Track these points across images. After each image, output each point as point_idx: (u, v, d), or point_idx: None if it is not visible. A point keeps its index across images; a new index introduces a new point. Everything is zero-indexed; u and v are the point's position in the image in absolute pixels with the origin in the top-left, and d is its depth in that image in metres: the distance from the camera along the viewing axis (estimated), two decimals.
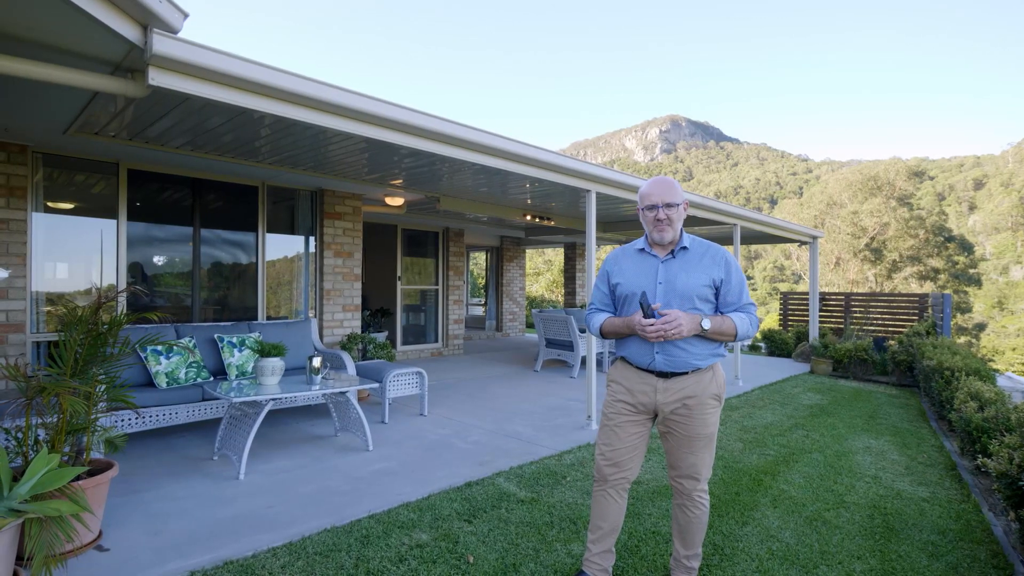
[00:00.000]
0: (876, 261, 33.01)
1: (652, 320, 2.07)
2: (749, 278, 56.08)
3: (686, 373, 2.21)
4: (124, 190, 5.33)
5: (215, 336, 5.07)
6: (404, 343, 9.98)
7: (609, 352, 7.96)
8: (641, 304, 2.10)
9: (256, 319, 6.37)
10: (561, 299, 21.73)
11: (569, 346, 8.24)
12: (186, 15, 2.60)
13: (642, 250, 2.33)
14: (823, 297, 12.41)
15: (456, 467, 3.98)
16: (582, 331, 8.17)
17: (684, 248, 2.27)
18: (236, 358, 4.99)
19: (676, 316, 2.07)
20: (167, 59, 2.62)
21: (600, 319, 2.36)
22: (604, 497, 2.36)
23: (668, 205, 2.23)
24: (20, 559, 2.26)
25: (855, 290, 31.29)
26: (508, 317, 13.72)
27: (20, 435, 2.71)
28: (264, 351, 4.17)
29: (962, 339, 30.70)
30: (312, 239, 6.95)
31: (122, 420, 4.01)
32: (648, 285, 2.23)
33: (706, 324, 2.13)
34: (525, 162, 4.88)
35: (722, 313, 2.24)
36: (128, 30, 2.47)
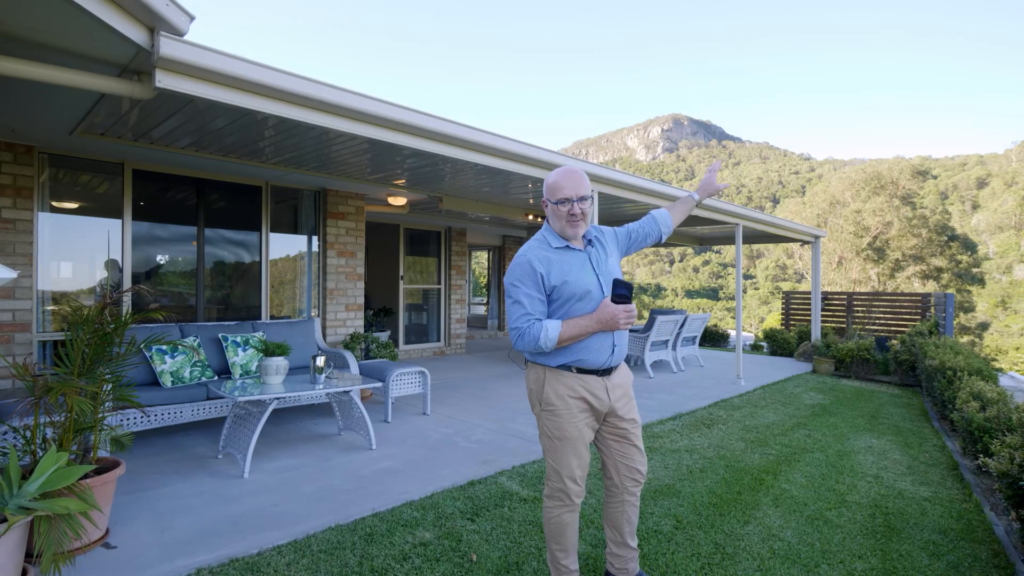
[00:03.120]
0: (879, 260, 32.92)
1: (631, 306, 2.01)
2: (751, 277, 55.94)
3: (620, 365, 2.22)
4: (129, 190, 5.36)
5: (219, 335, 5.09)
6: (406, 342, 10.01)
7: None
8: (626, 292, 1.99)
9: (259, 318, 6.40)
10: None
11: None
12: (192, 18, 2.62)
13: (559, 248, 2.13)
14: (825, 296, 12.41)
15: (459, 466, 4.00)
16: None
17: (594, 235, 2.25)
18: (240, 357, 5.02)
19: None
20: (173, 61, 2.64)
21: (554, 327, 2.01)
22: (575, 519, 2.20)
23: (582, 198, 2.09)
24: (29, 556, 2.29)
25: (858, 289, 31.24)
26: None
27: (28, 434, 2.74)
28: (268, 350, 4.20)
29: (965, 338, 30.62)
30: (315, 238, 6.98)
31: (128, 419, 4.04)
32: (592, 279, 2.11)
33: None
34: (527, 162, 4.90)
35: None
36: (135, 33, 2.49)
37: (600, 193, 5.63)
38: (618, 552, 2.35)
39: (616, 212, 8.40)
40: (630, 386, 2.28)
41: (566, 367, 2.11)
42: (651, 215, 2.57)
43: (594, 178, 5.47)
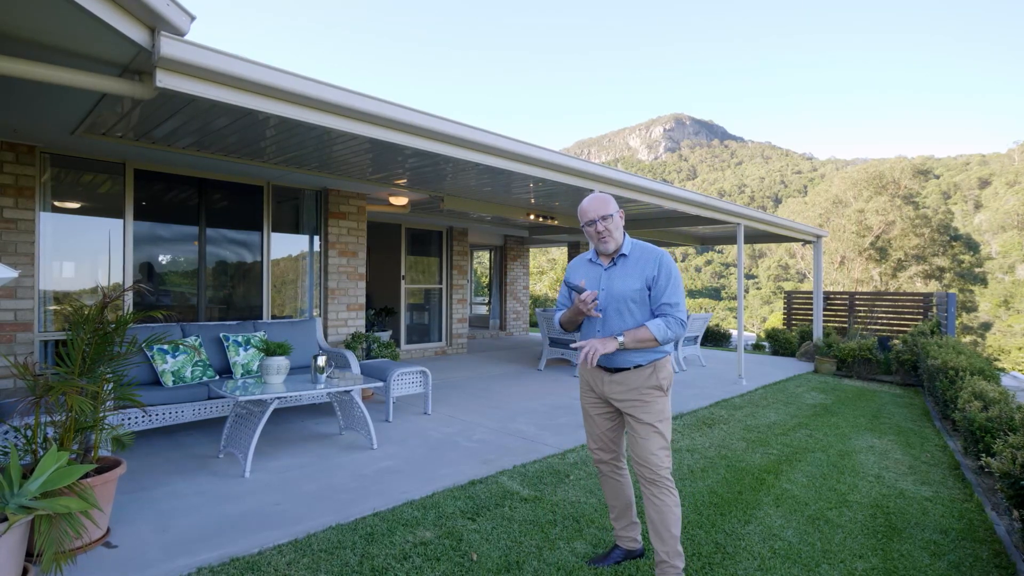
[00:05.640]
0: (881, 260, 32.85)
1: (581, 295, 2.42)
2: (753, 276, 55.81)
3: (628, 369, 2.46)
4: (130, 190, 5.37)
5: (220, 335, 5.10)
6: (408, 342, 10.01)
7: None
8: (576, 290, 2.45)
9: (261, 318, 6.40)
10: None
11: None
12: (193, 18, 2.62)
13: (591, 260, 2.63)
14: (827, 296, 12.38)
15: (460, 465, 4.00)
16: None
17: (624, 256, 2.52)
18: (241, 357, 5.02)
19: (591, 344, 2.32)
20: (174, 61, 2.65)
21: (559, 313, 2.67)
22: (606, 480, 2.69)
23: (604, 218, 2.46)
24: (30, 555, 2.30)
25: (860, 289, 31.17)
26: (512, 316, 13.74)
27: (29, 433, 2.75)
28: (269, 350, 4.21)
29: (967, 338, 30.52)
30: (316, 238, 6.99)
31: (129, 418, 4.04)
32: (594, 289, 2.52)
33: (621, 339, 2.34)
34: (528, 162, 4.90)
35: (644, 324, 2.39)
36: (136, 33, 2.50)
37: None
38: (656, 560, 2.43)
39: None
40: (640, 388, 2.44)
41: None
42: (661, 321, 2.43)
43: (595, 178, 5.47)
